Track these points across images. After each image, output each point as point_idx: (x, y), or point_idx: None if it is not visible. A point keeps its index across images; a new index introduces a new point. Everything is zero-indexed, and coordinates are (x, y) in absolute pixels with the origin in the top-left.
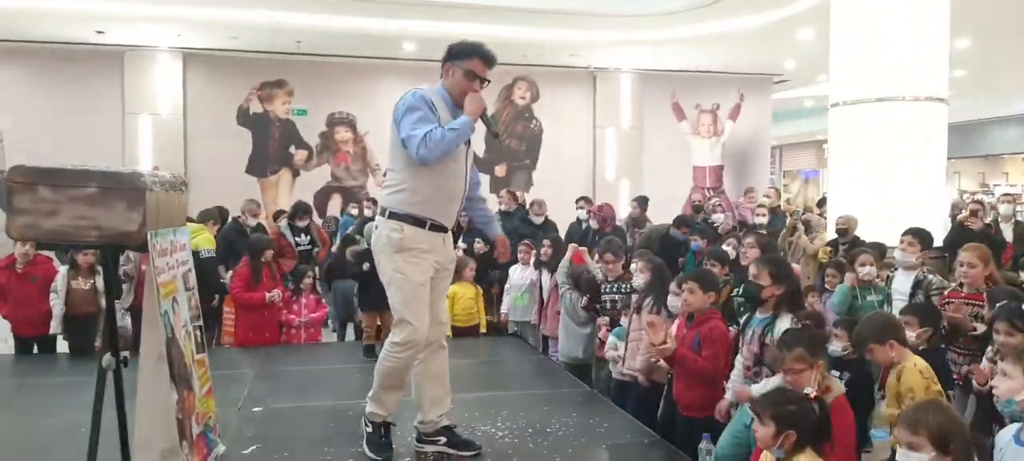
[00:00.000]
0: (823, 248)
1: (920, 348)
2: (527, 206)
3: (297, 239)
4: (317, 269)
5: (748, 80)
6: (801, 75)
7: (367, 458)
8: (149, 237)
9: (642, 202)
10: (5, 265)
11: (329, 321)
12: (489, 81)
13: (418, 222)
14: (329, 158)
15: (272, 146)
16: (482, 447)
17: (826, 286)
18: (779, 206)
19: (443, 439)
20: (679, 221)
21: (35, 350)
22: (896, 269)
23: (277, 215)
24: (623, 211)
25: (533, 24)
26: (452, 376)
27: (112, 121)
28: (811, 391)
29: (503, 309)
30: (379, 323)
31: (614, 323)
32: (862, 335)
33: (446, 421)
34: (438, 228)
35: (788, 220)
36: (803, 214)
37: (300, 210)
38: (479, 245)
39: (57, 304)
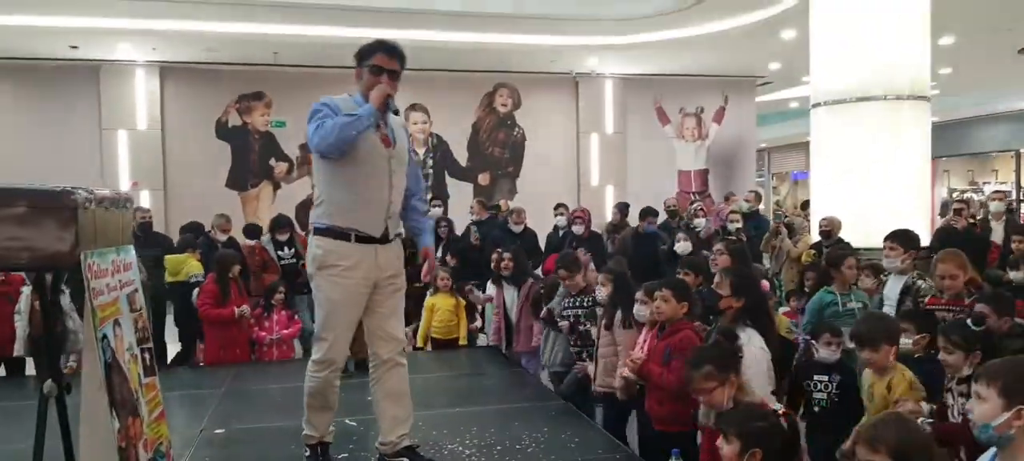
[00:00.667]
0: (807, 251)
1: (916, 355)
2: (508, 215)
3: (280, 253)
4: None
5: (732, 82)
6: (785, 76)
7: None
8: (83, 257)
9: (622, 208)
10: None
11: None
12: (397, 72)
13: (342, 235)
14: (310, 170)
15: (252, 159)
16: None
17: (806, 289)
18: (758, 211)
19: (405, 459)
20: (645, 212)
21: (1, 371)
22: (888, 274)
23: (248, 230)
24: (609, 217)
25: (513, 30)
26: (427, 390)
27: (89, 137)
28: (780, 407)
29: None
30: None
31: (578, 337)
32: (869, 335)
33: (408, 441)
34: (366, 239)
35: (771, 223)
36: (786, 217)
37: (280, 224)
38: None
39: (20, 325)
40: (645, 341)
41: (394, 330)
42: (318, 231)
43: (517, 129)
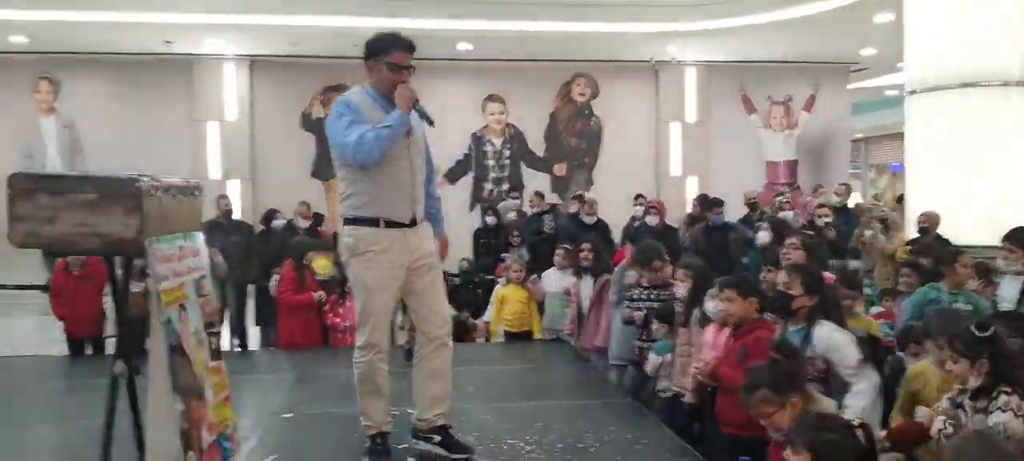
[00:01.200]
0: (902, 248)
1: None
2: (581, 206)
3: None
4: None
5: (823, 69)
6: (881, 62)
7: None
8: (147, 244)
9: (702, 200)
10: (61, 267)
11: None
12: (413, 68)
13: (371, 222)
14: None
15: None
16: (475, 450)
17: (901, 287)
18: (846, 204)
19: (437, 438)
20: (711, 203)
21: (89, 351)
22: (1002, 275)
23: (315, 219)
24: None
25: (591, 18)
26: (492, 383)
27: (182, 128)
28: (855, 419)
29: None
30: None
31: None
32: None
33: (443, 421)
34: (395, 225)
35: (862, 218)
36: (880, 211)
37: None
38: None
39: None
40: (717, 341)
41: (440, 308)
42: (348, 221)
43: (594, 119)
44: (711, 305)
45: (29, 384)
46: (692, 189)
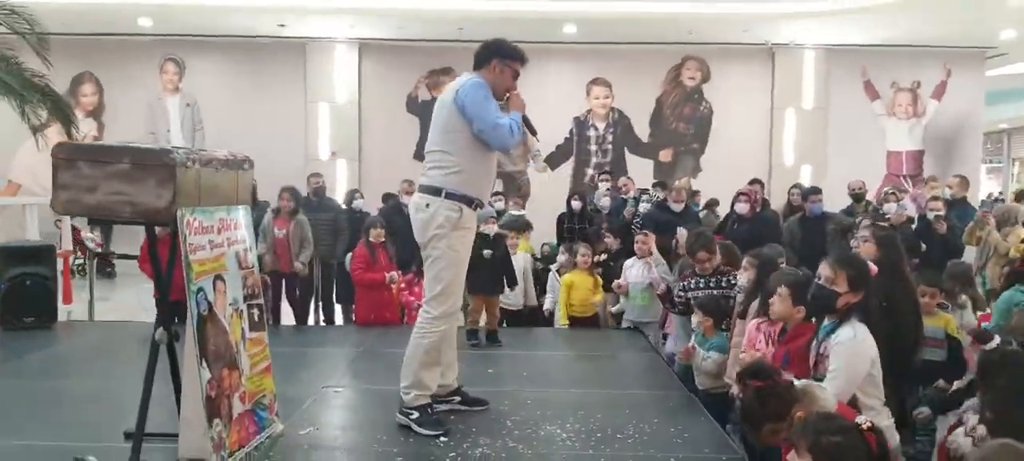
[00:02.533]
0: (1016, 245)
1: None
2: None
3: None
4: None
5: (955, 54)
6: (1022, 47)
7: (426, 436)
8: (179, 214)
9: (804, 190)
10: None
11: None
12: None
13: (470, 202)
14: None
15: None
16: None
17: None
18: (963, 197)
19: (457, 398)
20: (808, 191)
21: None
22: None
23: (385, 198)
24: None
25: None
26: (547, 369)
27: (296, 108)
28: (864, 421)
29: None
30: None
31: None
32: None
33: (457, 382)
34: (480, 207)
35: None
36: (995, 205)
37: None
38: (610, 239)
39: None
40: (754, 337)
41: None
42: (453, 196)
43: (705, 103)
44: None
45: (123, 347)
46: (806, 179)
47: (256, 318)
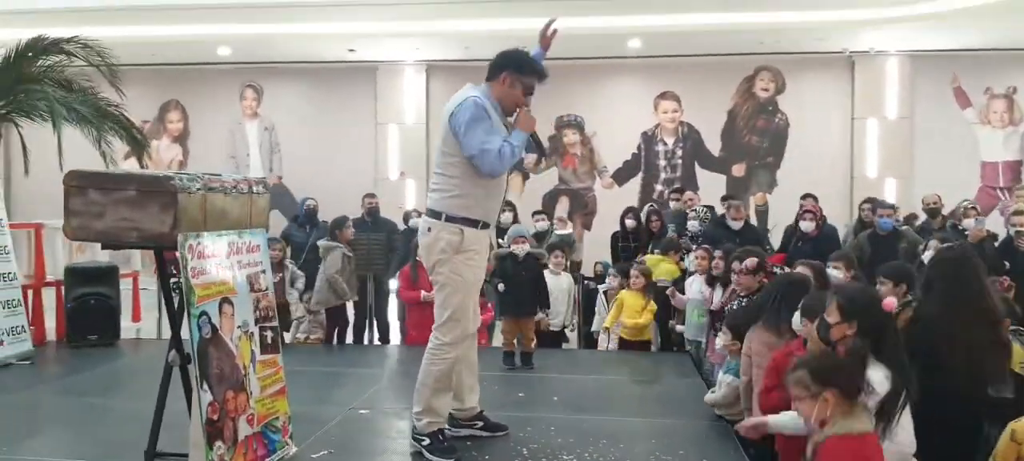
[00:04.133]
0: None
1: None
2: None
3: (499, 241)
4: None
5: None
6: None
7: None
8: (181, 239)
9: (875, 204)
10: None
11: None
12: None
13: (473, 224)
14: (557, 161)
15: None
16: (508, 428)
17: None
18: None
19: (479, 424)
20: (877, 204)
21: None
22: None
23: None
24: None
25: (776, 7)
26: (585, 395)
27: (366, 130)
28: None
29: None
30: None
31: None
32: None
33: (479, 407)
34: (486, 226)
35: None
36: None
37: (505, 206)
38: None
39: None
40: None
41: (478, 306)
42: (453, 219)
43: (779, 115)
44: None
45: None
46: (891, 192)
47: (269, 340)
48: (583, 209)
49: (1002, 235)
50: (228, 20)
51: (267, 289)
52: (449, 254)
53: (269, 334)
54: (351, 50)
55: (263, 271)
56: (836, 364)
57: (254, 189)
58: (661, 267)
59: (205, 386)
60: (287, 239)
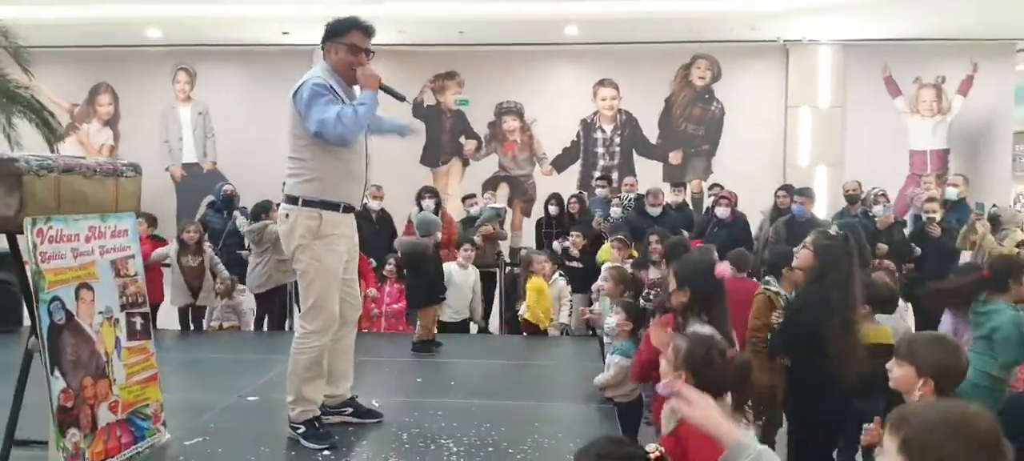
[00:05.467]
0: (1011, 249)
1: None
2: (644, 196)
3: None
4: None
5: (983, 47)
6: None
7: (312, 450)
8: (28, 222)
9: (789, 190)
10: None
11: None
12: (373, 52)
13: (333, 207)
14: (497, 147)
15: (444, 137)
16: (383, 416)
17: None
18: (963, 198)
19: (349, 410)
20: (791, 190)
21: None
22: None
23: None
24: (821, 201)
25: None
26: (483, 380)
27: None
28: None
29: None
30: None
31: None
32: None
33: (351, 393)
34: (349, 210)
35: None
36: (990, 207)
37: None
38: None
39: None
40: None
41: (357, 293)
42: (310, 203)
43: (715, 103)
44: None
45: None
46: (822, 179)
47: (138, 327)
48: (523, 196)
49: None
50: (156, 1)
51: (136, 274)
52: (308, 239)
53: (138, 320)
54: (285, 33)
55: (131, 256)
56: (705, 360)
57: (124, 173)
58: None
59: (56, 373)
60: (204, 224)
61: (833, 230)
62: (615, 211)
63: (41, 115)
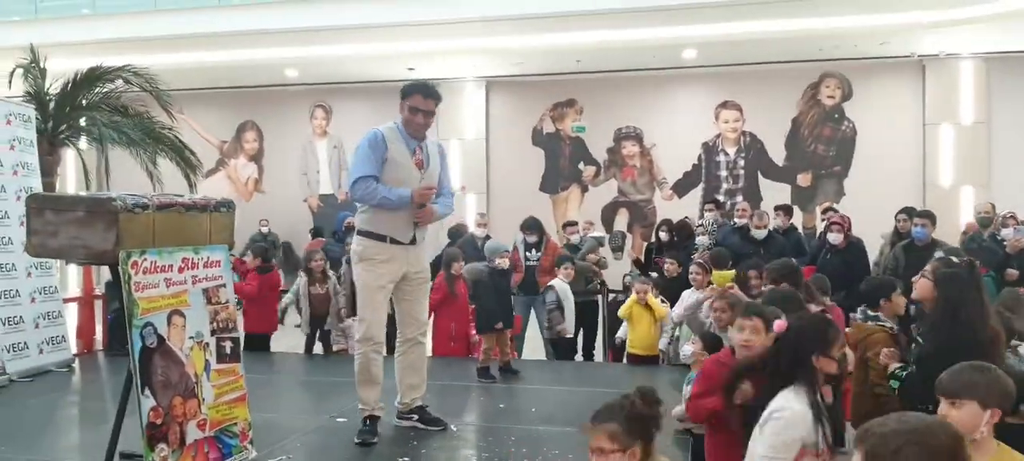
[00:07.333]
0: None
1: None
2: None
3: (527, 254)
4: None
5: None
6: None
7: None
8: (122, 256)
9: (910, 213)
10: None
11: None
12: (433, 112)
13: (379, 238)
14: (616, 173)
15: (563, 163)
16: (447, 424)
17: None
18: None
19: (416, 416)
20: (910, 213)
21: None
22: None
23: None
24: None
25: (839, 12)
26: (566, 406)
27: None
28: None
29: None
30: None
31: None
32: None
33: (420, 402)
34: (397, 242)
35: None
36: None
37: (528, 226)
38: (671, 266)
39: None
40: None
41: (419, 314)
42: (360, 233)
43: (846, 123)
44: (687, 349)
45: None
46: (967, 201)
47: (228, 350)
48: (643, 222)
49: None
50: (293, 43)
51: (227, 302)
52: (355, 261)
53: (228, 344)
54: (411, 69)
55: (222, 285)
56: (646, 415)
57: (218, 208)
58: (636, 320)
59: (146, 392)
60: (327, 254)
61: (955, 257)
62: (701, 240)
63: (182, 154)
